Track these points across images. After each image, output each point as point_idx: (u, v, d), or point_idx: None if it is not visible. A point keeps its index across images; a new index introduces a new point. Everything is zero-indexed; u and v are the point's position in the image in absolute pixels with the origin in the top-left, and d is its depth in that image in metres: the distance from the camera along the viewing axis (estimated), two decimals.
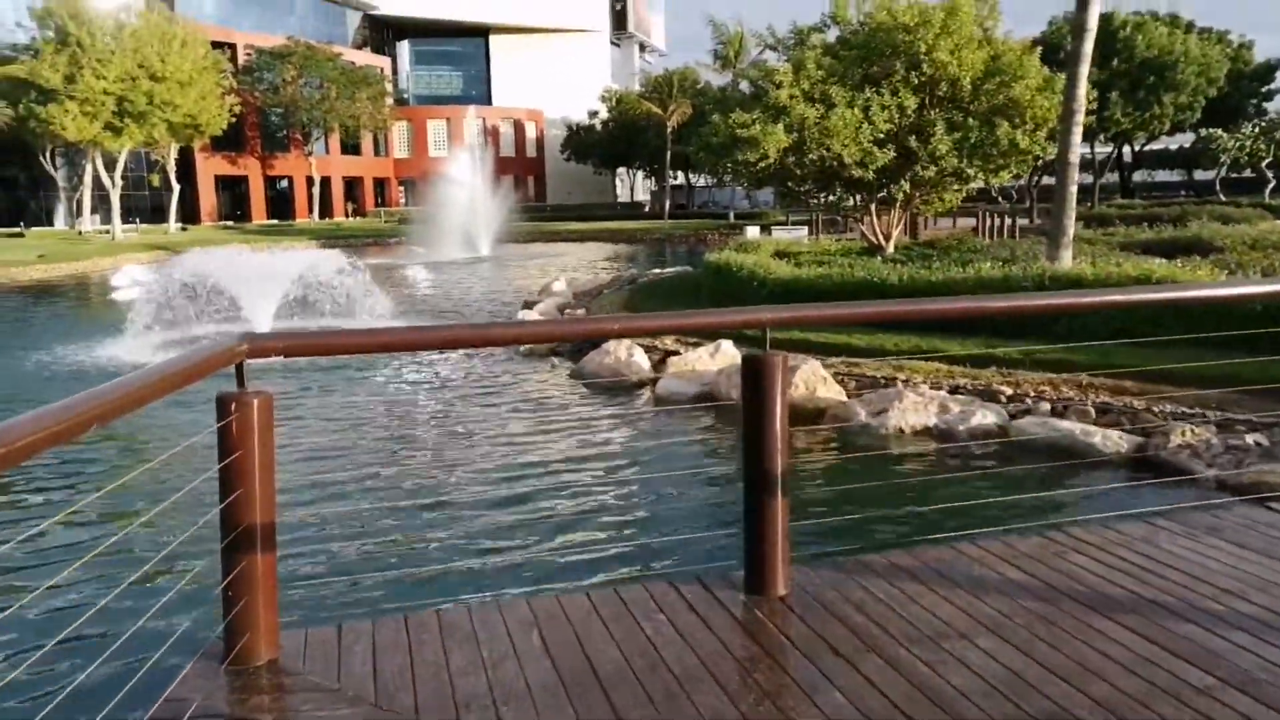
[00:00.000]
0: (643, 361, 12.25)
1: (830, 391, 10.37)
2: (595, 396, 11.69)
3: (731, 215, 55.60)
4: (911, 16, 17.12)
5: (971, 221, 35.64)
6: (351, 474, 8.22)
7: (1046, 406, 9.08)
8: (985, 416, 9.04)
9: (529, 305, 17.97)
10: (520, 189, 71.87)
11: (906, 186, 17.74)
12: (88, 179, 48.73)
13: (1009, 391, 9.60)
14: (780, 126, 16.47)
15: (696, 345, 12.69)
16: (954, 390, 9.88)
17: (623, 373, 12.10)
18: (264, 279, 16.34)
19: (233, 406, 3.16)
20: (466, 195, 43.39)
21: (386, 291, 22.62)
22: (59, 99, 42.93)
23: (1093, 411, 8.77)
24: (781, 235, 25.75)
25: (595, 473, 8.26)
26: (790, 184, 18.83)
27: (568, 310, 16.90)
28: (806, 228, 31.90)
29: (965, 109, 17.57)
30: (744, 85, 24.87)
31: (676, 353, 12.47)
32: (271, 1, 70.72)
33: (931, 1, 17.49)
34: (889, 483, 7.56)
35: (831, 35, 19.02)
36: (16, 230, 51.09)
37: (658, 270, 25.53)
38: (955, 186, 18.46)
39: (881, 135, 17.04)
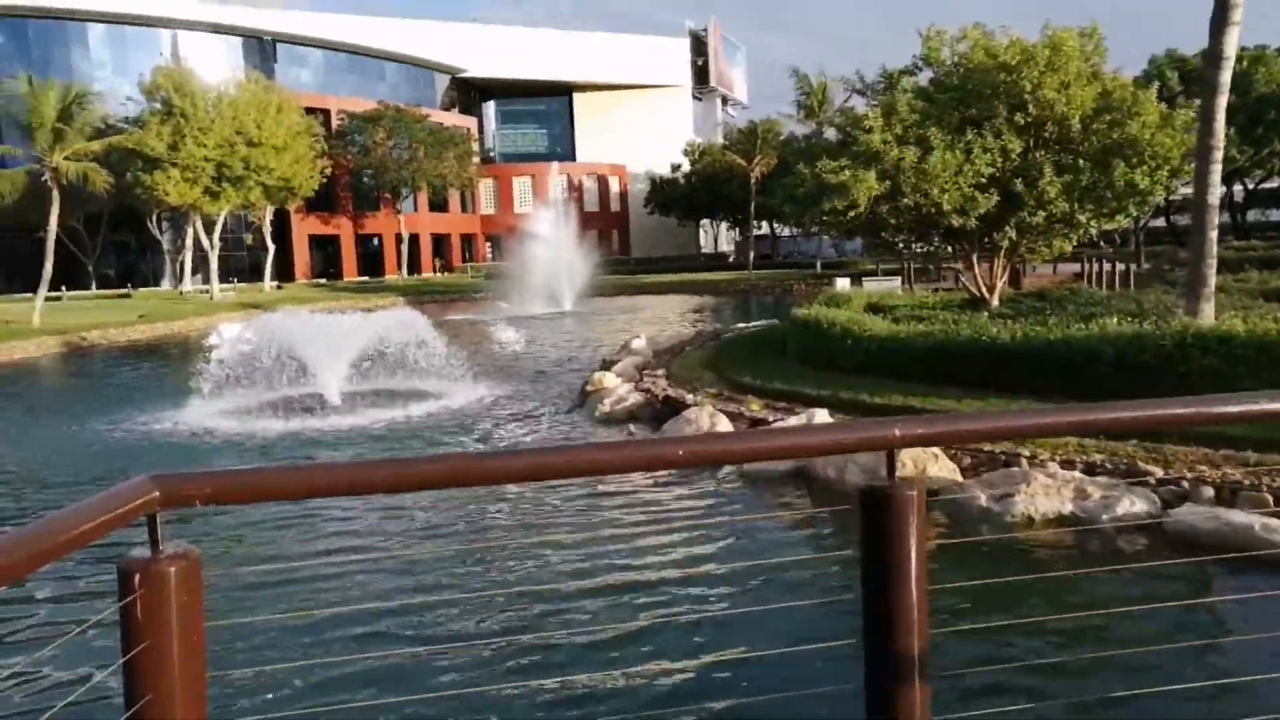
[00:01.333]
0: (728, 431, 11.13)
1: (942, 470, 9.07)
2: (671, 472, 10.58)
3: (819, 265, 54.34)
4: (1012, 55, 15.87)
5: (1075, 268, 33.64)
6: (332, 641, 6.11)
7: (1209, 492, 7.62)
8: (1132, 503, 7.64)
9: (607, 366, 17.06)
10: (604, 243, 72.03)
11: (1012, 233, 16.35)
12: (189, 241, 50.44)
13: (1159, 472, 8.16)
14: (871, 173, 15.34)
15: (787, 411, 11.53)
16: (1090, 469, 8.49)
17: None
18: (336, 341, 15.84)
19: (137, 579, 2.17)
20: (551, 250, 43.23)
21: (464, 349, 22.12)
22: (163, 166, 44.61)
23: (1270, 499, 7.30)
24: (873, 287, 24.41)
25: (665, 592, 6.88)
26: (883, 234, 17.61)
27: (647, 371, 15.92)
28: (900, 278, 30.42)
29: (1075, 150, 16.17)
30: (830, 134, 23.84)
31: (765, 421, 11.32)
32: (365, 69, 73.16)
33: (1032, 39, 16.23)
34: (1040, 606, 6.18)
35: (924, 78, 17.87)
36: (125, 291, 53.13)
37: (742, 324, 24.42)
38: (1064, 232, 16.97)
39: (984, 179, 15.75)
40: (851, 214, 15.55)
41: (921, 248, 19.19)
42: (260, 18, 71.29)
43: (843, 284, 26.14)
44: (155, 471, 2.10)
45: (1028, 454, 9.11)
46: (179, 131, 44.69)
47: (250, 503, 2.14)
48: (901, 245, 18.48)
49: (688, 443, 2.48)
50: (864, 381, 12.75)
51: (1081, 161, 15.87)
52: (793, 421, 10.46)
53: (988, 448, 9.54)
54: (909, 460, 9.14)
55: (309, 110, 56.26)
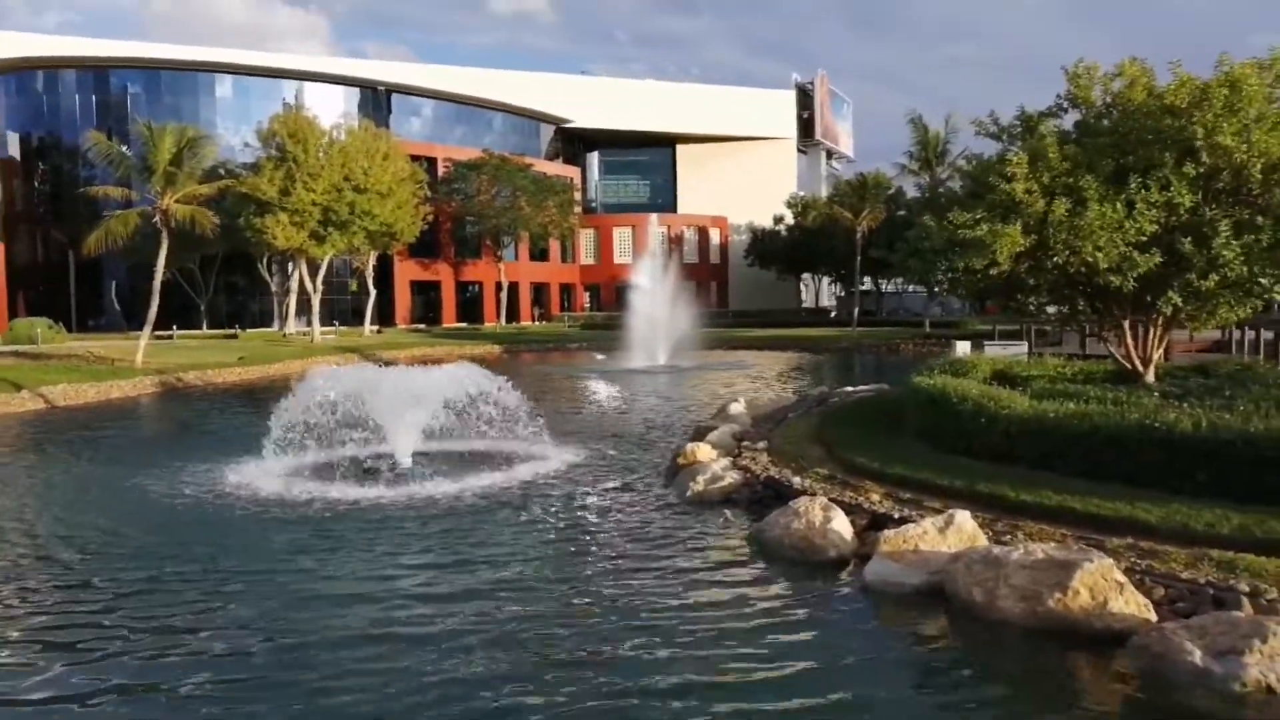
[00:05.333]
0: (843, 529, 9.25)
1: (1129, 605, 6.99)
2: (775, 577, 8.74)
3: (927, 324, 51.54)
4: (1182, 96, 13.70)
5: (1215, 335, 30.31)
6: None
7: None
8: None
9: (701, 434, 15.33)
10: (703, 294, 70.74)
11: (1177, 299, 14.01)
12: (294, 284, 51.05)
13: None
14: (1015, 227, 13.32)
15: (917, 508, 9.57)
16: None
17: (816, 543, 9.13)
18: (413, 399, 14.51)
19: None
20: (648, 302, 42.00)
21: (552, 406, 20.77)
22: (274, 211, 45.22)
23: None
24: (996, 352, 22.05)
25: None
26: (1020, 295, 15.46)
27: (745, 443, 14.13)
28: (1024, 342, 27.84)
29: (1256, 205, 13.81)
30: (954, 184, 21.76)
31: (890, 518, 9.39)
32: (473, 119, 74.15)
33: (1203, 75, 14.01)
34: None
35: (1069, 121, 15.79)
36: (232, 332, 54.10)
37: (849, 388, 22.28)
38: (1238, 299, 14.49)
39: (1145, 237, 13.54)
40: (990, 272, 13.52)
41: (1060, 310, 16.91)
42: (376, 69, 73.25)
43: (963, 348, 23.77)
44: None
45: (1247, 589, 6.96)
46: (290, 176, 45.38)
47: None
48: (1039, 308, 16.26)
49: None
50: (1004, 471, 10.70)
51: (1263, 219, 13.50)
52: (927, 525, 8.50)
53: (1187, 575, 7.40)
54: (1084, 588, 7.11)
55: (416, 158, 56.89)
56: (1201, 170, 13.62)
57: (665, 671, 6.60)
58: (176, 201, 33.93)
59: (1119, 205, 13.19)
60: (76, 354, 33.98)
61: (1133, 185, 13.30)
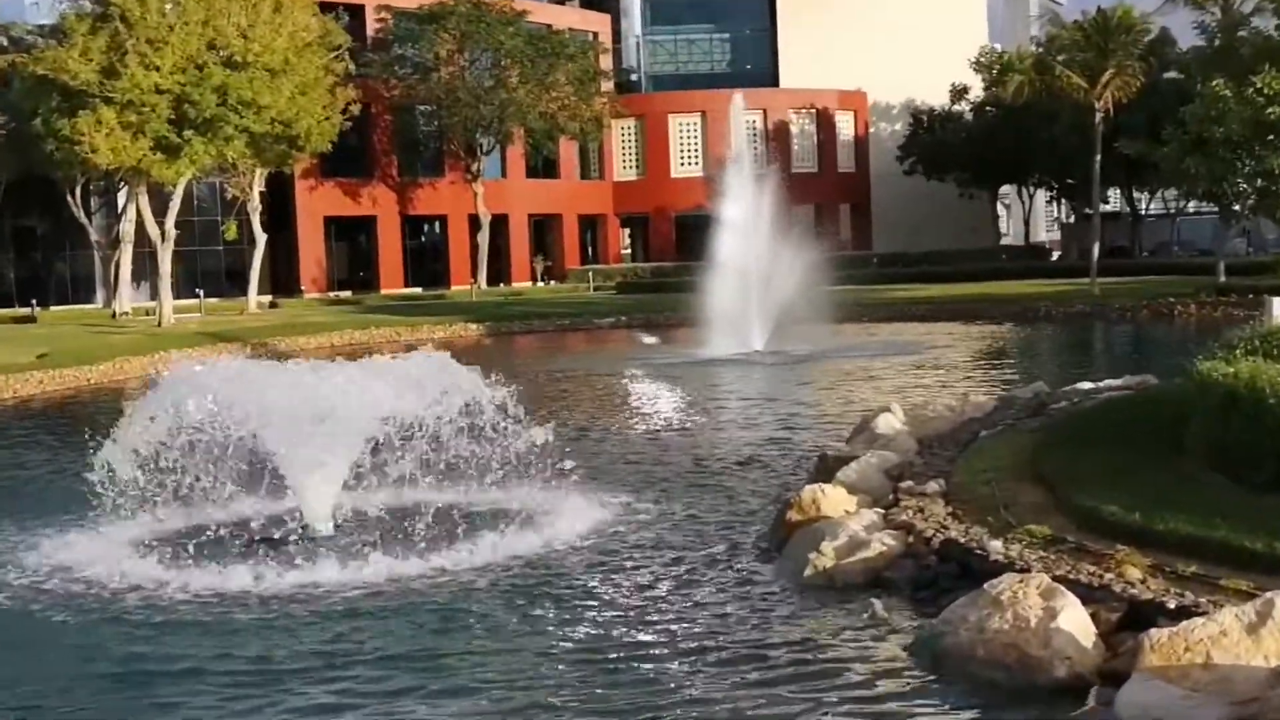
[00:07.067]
0: (1079, 628, 9.27)
1: None
2: (966, 714, 8.82)
3: (1221, 270, 51.05)
4: None
5: None
6: None
7: None
8: None
9: (828, 469, 15.46)
10: (828, 226, 71.10)
11: None
12: (128, 229, 51.98)
13: None
14: None
15: (1208, 590, 9.55)
16: None
17: (1032, 654, 9.17)
18: (332, 420, 14.84)
19: None
20: (733, 244, 42.32)
21: (573, 426, 20.79)
22: (91, 104, 45.93)
23: None
24: None
25: None
26: None
27: (906, 484, 14.22)
28: None
29: None
30: (1263, 22, 21.51)
31: (1161, 607, 9.38)
32: None
33: None
34: None
35: None
36: (26, 313, 55.18)
37: (1085, 384, 22.37)
38: None
39: None
40: None
41: None
42: None
43: None
44: None
45: None
46: (117, 45, 46.20)
47: None
48: None
49: None
50: None
51: None
52: (1226, 619, 8.50)
53: None
54: None
55: (328, 8, 57.70)
56: None
57: None
58: None
59: None
60: None
61: None
